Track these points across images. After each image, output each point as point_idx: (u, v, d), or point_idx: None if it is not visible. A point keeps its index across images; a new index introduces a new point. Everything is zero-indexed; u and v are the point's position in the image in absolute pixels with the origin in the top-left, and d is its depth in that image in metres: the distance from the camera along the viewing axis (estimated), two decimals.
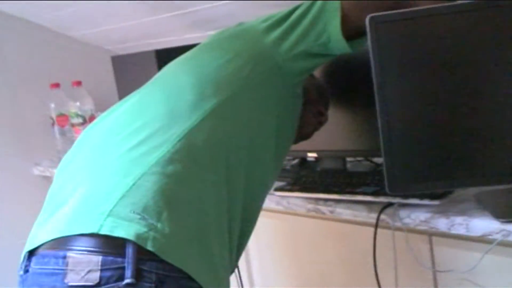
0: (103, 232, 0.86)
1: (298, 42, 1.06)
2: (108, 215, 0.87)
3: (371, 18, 1.01)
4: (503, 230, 1.03)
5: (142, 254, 0.85)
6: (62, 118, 2.35)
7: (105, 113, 1.10)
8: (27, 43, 2.43)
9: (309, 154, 1.55)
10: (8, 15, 2.35)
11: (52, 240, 0.90)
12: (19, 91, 2.39)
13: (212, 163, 0.98)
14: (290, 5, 1.10)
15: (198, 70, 1.05)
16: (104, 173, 0.95)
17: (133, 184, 0.90)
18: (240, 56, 1.06)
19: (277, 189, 1.44)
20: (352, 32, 1.06)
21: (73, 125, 2.34)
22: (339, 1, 1.05)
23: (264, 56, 1.07)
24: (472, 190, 1.20)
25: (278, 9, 1.11)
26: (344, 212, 1.30)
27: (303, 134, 1.27)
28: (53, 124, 2.37)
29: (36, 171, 2.42)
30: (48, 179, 2.37)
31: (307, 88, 1.21)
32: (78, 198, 0.93)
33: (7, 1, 2.19)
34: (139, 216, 0.87)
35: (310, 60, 1.10)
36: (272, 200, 1.45)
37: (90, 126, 1.10)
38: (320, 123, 1.30)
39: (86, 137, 1.08)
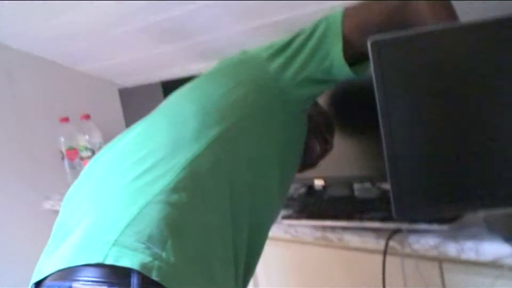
0: (108, 262, 0.85)
1: (301, 69, 1.07)
2: (113, 245, 0.86)
3: (373, 42, 0.99)
4: None
5: (147, 283, 0.84)
6: (72, 151, 2.37)
7: (111, 143, 1.10)
8: (37, 78, 2.46)
9: (316, 181, 1.54)
10: (18, 51, 2.39)
11: (57, 271, 0.89)
12: (29, 125, 2.42)
13: (216, 191, 0.98)
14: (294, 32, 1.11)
15: (201, 99, 1.06)
16: (109, 203, 0.95)
17: (138, 213, 0.90)
18: (244, 84, 1.07)
19: (284, 217, 1.43)
20: (355, 56, 1.06)
21: (82, 158, 2.36)
22: (341, 26, 1.05)
23: (267, 84, 1.07)
24: (482, 214, 1.18)
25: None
26: (352, 239, 1.28)
27: (308, 162, 1.26)
28: (63, 158, 2.39)
29: (47, 205, 2.43)
30: (58, 213, 2.37)
31: (312, 115, 1.21)
32: (84, 228, 0.93)
33: (17, 37, 2.23)
34: (144, 245, 0.86)
35: (314, 86, 1.10)
36: (280, 229, 1.43)
37: (96, 156, 1.10)
38: (326, 151, 1.29)
39: (92, 167, 1.08)
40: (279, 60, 1.08)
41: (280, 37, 1.11)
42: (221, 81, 1.09)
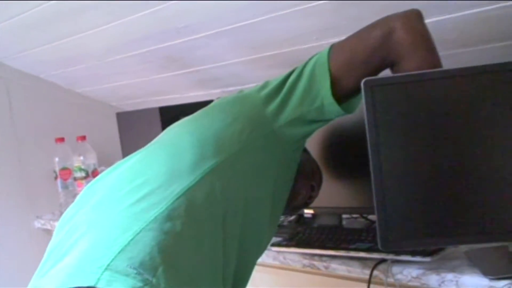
0: (100, 285, 0.87)
1: (295, 110, 1.09)
2: (106, 269, 0.88)
3: (366, 82, 1.03)
4: (492, 287, 1.06)
5: None
6: (66, 172, 2.39)
7: (108, 169, 1.12)
8: (36, 98, 2.49)
9: (306, 211, 1.59)
10: (18, 71, 2.43)
11: None
12: (25, 144, 2.44)
13: (209, 221, 1.00)
14: (291, 67, 1.14)
15: (199, 132, 1.08)
16: (105, 228, 0.97)
17: (132, 239, 0.92)
18: (240, 121, 1.09)
19: (274, 245, 1.47)
20: (345, 93, 1.08)
21: (75, 179, 2.38)
22: (328, 64, 1.07)
23: (261, 123, 1.09)
24: (463, 248, 1.23)
25: (281, 70, 1.15)
26: (338, 268, 1.33)
27: (294, 205, 1.27)
28: (56, 178, 2.40)
29: (37, 224, 2.44)
30: (48, 232, 2.38)
31: (302, 161, 1.22)
32: (79, 251, 0.94)
33: (18, 58, 2.28)
34: (135, 271, 0.88)
35: (307, 126, 1.12)
36: (269, 255, 1.47)
37: (93, 181, 1.12)
38: (311, 198, 1.31)
39: (89, 192, 1.10)
40: (274, 104, 1.10)
41: (281, 71, 1.15)
42: (219, 116, 1.11)
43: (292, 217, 1.71)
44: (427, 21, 1.09)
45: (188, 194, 0.98)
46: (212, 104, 1.20)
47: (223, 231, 1.01)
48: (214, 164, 1.03)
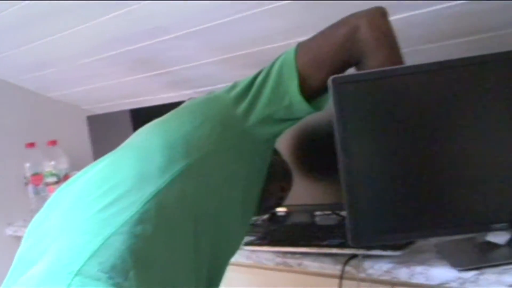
0: None
1: (264, 109, 1.10)
2: (76, 274, 0.87)
3: (334, 79, 1.05)
4: (460, 278, 1.07)
5: None
6: (37, 177, 2.36)
7: (77, 174, 1.11)
8: (5, 103, 2.47)
9: (279, 209, 1.60)
10: None
11: None
12: None
13: (180, 224, 1.00)
14: (262, 66, 1.14)
15: (168, 134, 1.08)
16: (75, 233, 0.96)
17: (102, 244, 0.91)
18: (209, 122, 1.09)
19: (247, 244, 1.47)
20: (314, 91, 1.10)
21: (47, 184, 2.35)
22: (295, 62, 1.08)
23: (233, 124, 1.10)
24: (433, 240, 1.25)
25: (253, 70, 1.15)
26: (311, 264, 1.33)
27: (265, 206, 1.28)
28: (27, 184, 2.38)
29: (9, 231, 2.41)
30: (20, 239, 2.33)
31: (273, 162, 1.23)
32: (49, 258, 0.93)
33: None
34: (107, 275, 0.87)
35: (277, 125, 1.13)
36: (242, 255, 1.47)
37: (62, 187, 1.11)
38: (281, 198, 1.32)
39: (57, 198, 1.08)
40: (244, 104, 1.11)
41: (253, 70, 1.15)
42: (188, 118, 1.11)
43: (265, 216, 1.71)
44: (393, 18, 1.10)
45: (159, 197, 0.97)
46: (182, 105, 1.19)
47: (195, 232, 1.01)
48: (184, 166, 1.02)
